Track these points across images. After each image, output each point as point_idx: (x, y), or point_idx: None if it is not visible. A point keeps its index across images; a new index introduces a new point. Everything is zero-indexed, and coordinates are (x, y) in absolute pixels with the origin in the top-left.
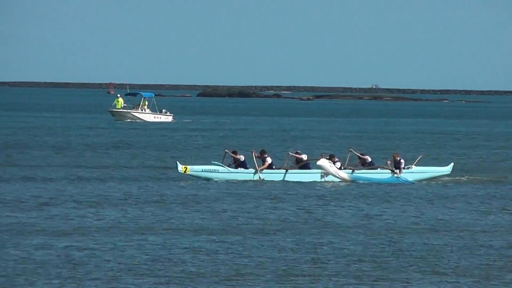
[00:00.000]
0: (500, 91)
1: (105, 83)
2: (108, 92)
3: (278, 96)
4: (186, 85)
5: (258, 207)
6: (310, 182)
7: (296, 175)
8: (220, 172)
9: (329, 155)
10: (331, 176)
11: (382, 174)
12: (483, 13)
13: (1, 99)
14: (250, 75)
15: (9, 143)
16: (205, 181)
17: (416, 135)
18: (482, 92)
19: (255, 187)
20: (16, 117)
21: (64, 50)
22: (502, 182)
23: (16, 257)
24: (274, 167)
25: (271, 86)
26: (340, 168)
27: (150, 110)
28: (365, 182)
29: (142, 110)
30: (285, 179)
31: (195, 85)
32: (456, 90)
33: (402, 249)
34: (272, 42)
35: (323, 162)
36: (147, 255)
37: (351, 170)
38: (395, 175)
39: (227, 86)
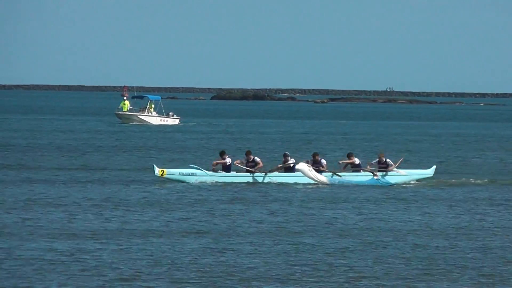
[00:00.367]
0: None
1: (119, 86)
2: (122, 95)
3: (293, 99)
4: (200, 88)
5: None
6: (291, 184)
7: (279, 178)
8: (198, 175)
9: (313, 153)
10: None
11: (362, 177)
12: (495, 16)
13: (7, 102)
14: (265, 78)
15: (9, 143)
16: (196, 184)
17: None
18: (497, 95)
19: (243, 190)
20: (25, 120)
21: (79, 53)
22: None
23: (20, 258)
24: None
25: (286, 89)
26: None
27: (156, 113)
28: (345, 184)
29: (148, 113)
30: (265, 181)
31: (209, 88)
32: (471, 93)
33: (404, 251)
34: (287, 45)
35: (302, 166)
36: (150, 257)
37: (331, 173)
38: (375, 177)
39: (242, 89)
